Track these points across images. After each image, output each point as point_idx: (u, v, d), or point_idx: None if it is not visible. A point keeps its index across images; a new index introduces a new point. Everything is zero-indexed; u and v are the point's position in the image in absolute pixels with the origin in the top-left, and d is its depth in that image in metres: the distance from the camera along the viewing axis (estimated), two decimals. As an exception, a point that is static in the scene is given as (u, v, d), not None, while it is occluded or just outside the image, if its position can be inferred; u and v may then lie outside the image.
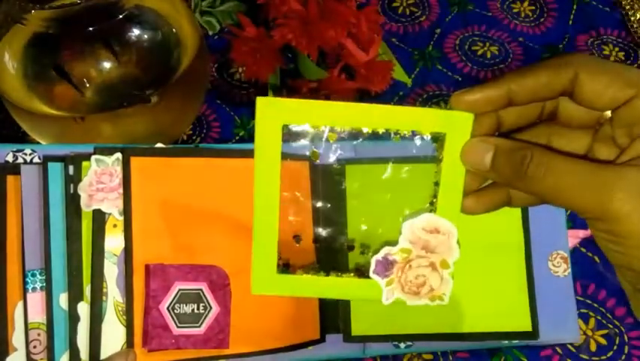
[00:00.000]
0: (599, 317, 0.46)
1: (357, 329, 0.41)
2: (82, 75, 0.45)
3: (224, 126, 0.57)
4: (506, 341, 0.42)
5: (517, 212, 0.42)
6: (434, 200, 0.32)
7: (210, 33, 0.62)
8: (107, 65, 0.45)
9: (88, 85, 0.45)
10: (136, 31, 0.46)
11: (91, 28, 0.43)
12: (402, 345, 0.42)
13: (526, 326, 0.42)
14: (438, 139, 0.31)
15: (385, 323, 0.41)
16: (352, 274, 0.34)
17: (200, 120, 0.57)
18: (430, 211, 0.32)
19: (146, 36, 0.46)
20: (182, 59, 0.48)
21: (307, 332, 0.40)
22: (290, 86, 0.54)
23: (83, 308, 0.36)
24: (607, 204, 0.25)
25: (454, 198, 0.31)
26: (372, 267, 0.33)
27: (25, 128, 0.48)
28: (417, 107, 0.30)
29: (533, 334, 0.42)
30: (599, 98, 0.26)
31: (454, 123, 0.30)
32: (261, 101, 0.30)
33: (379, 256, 0.33)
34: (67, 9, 0.41)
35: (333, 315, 0.41)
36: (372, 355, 0.42)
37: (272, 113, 0.30)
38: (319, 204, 0.41)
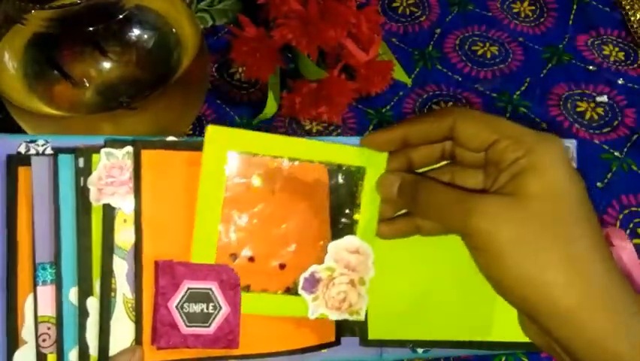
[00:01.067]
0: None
1: (374, 333, 0.40)
2: (82, 75, 0.45)
3: (224, 126, 0.57)
4: None
5: None
6: (355, 222, 0.37)
7: (202, 27, 0.62)
8: (106, 65, 0.45)
9: (88, 85, 0.45)
10: (136, 32, 0.46)
11: (91, 28, 0.43)
12: (419, 350, 0.40)
13: None
14: (359, 172, 0.36)
15: (404, 328, 0.40)
16: (280, 291, 0.37)
17: (200, 120, 0.57)
18: (350, 231, 0.36)
19: (146, 36, 0.46)
20: (182, 59, 0.48)
21: (322, 335, 0.39)
22: (290, 86, 0.54)
23: (93, 303, 0.36)
24: (468, 221, 0.30)
25: (371, 223, 0.36)
26: (301, 284, 0.36)
27: (25, 128, 0.48)
28: (344, 145, 0.36)
29: None
30: (471, 141, 0.33)
31: (373, 159, 0.36)
32: (211, 129, 0.35)
33: (306, 274, 0.36)
34: (67, 9, 0.41)
35: None
36: (389, 360, 0.41)
37: (219, 140, 0.35)
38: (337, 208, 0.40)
